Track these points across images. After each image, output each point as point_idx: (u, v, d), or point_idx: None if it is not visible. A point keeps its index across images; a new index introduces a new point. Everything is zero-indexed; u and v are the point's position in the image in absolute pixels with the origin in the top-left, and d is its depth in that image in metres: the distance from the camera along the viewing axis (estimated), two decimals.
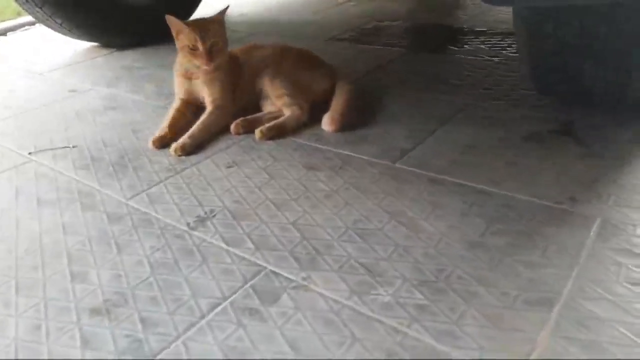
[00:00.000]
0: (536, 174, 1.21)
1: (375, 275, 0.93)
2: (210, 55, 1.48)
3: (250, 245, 1.04)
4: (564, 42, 1.35)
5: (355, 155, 1.36)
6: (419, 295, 0.88)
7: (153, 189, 1.27)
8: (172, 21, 1.49)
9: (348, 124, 1.50)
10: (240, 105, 1.60)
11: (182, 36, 1.49)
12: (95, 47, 2.56)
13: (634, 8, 1.23)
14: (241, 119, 1.53)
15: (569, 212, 1.07)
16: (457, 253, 0.97)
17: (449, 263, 0.95)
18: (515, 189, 1.15)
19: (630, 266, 0.91)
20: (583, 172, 1.20)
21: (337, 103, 1.55)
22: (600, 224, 1.02)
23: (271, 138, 1.48)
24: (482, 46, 2.15)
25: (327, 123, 1.50)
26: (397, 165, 1.30)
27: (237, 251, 1.03)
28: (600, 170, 1.21)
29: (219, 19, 1.53)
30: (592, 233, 1.00)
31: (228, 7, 1.54)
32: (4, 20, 3.23)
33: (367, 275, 0.93)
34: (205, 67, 1.50)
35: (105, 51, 2.49)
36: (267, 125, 1.50)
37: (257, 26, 2.67)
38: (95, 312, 0.90)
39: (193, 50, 1.48)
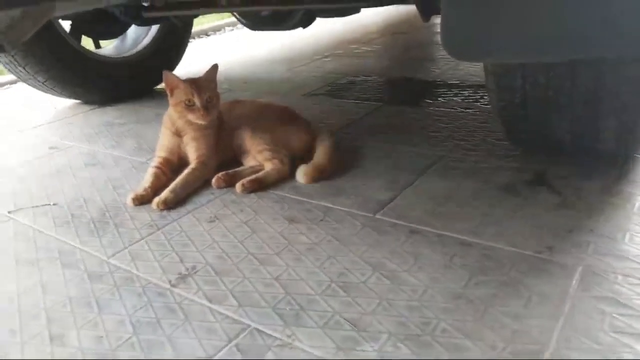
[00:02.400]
0: (513, 224, 1.23)
1: (360, 331, 0.93)
2: (206, 110, 1.51)
3: (234, 302, 1.03)
4: (532, 95, 1.41)
5: (335, 207, 1.37)
6: (405, 350, 0.88)
7: (134, 246, 1.26)
8: (168, 77, 1.54)
9: (322, 177, 1.53)
10: (221, 159, 1.62)
11: (178, 91, 1.53)
12: (76, 104, 2.58)
13: (597, 64, 1.30)
14: (223, 173, 1.55)
15: (549, 262, 1.09)
16: (441, 305, 0.98)
17: (434, 316, 0.95)
18: (494, 239, 1.17)
19: (614, 315, 0.92)
20: (559, 221, 1.23)
21: (318, 157, 1.59)
22: (582, 273, 1.04)
23: (252, 191, 1.49)
24: (455, 98, 2.23)
25: (301, 175, 1.53)
26: (377, 216, 1.31)
27: (220, 309, 1.01)
28: (576, 220, 1.23)
29: (211, 76, 1.58)
30: (574, 282, 1.01)
31: (217, 65, 1.60)
32: None
33: (352, 331, 0.93)
34: (202, 122, 1.53)
35: (86, 108, 2.51)
36: (248, 178, 1.51)
37: (233, 83, 2.73)
38: None
39: (189, 105, 1.51)
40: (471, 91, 2.31)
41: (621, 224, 1.20)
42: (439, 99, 2.26)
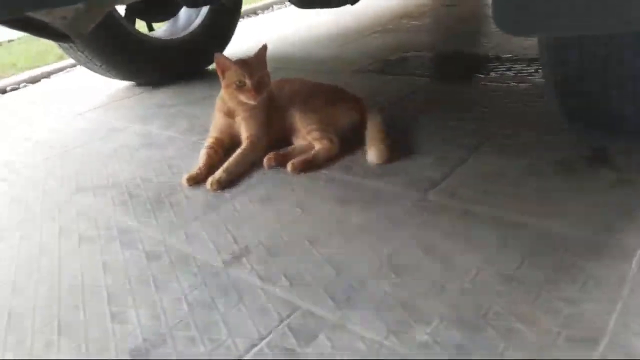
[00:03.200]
0: (570, 204, 1.18)
1: (412, 313, 0.93)
2: (257, 89, 1.53)
3: (285, 283, 1.05)
4: (590, 69, 1.34)
5: (386, 186, 1.36)
6: (457, 334, 0.87)
7: (190, 226, 1.30)
8: (219, 59, 1.56)
9: (394, 155, 1.49)
10: (272, 139, 1.63)
11: (230, 73, 1.55)
12: (131, 86, 2.66)
13: None
14: (273, 152, 1.57)
15: (608, 243, 1.04)
16: (494, 288, 0.96)
17: (486, 299, 0.94)
18: (550, 220, 1.13)
19: None
20: (620, 200, 1.17)
21: (376, 135, 1.55)
22: None
23: (302, 171, 1.50)
24: (508, 73, 2.14)
25: (375, 156, 1.49)
26: (429, 196, 1.29)
27: (272, 289, 1.04)
28: (638, 199, 1.17)
29: (261, 56, 1.60)
30: (633, 265, 0.97)
31: (266, 45, 1.61)
32: (48, 64, 3.41)
33: (403, 313, 0.93)
34: (252, 102, 1.55)
35: (140, 89, 2.59)
36: (298, 158, 1.52)
37: (283, 61, 2.73)
38: (134, 353, 0.92)
39: (240, 86, 1.54)
40: (524, 65, 2.21)
41: None
42: (491, 73, 2.17)
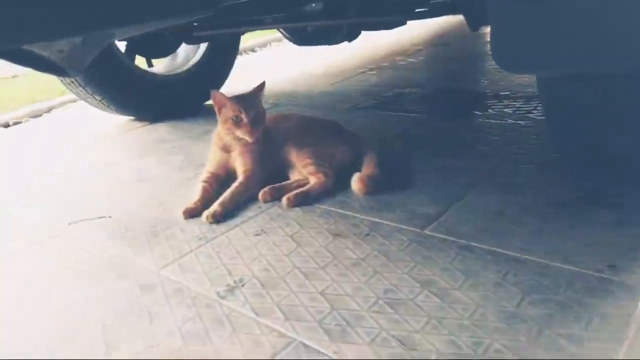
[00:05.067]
0: (570, 241, 1.17)
1: (409, 349, 0.90)
2: (253, 125, 1.55)
3: (280, 316, 1.03)
4: (587, 108, 1.35)
5: (382, 221, 1.35)
6: None
7: (184, 258, 1.28)
8: (216, 96, 1.58)
9: (377, 188, 1.51)
10: (267, 173, 1.63)
11: (226, 109, 1.57)
12: (130, 120, 2.68)
13: None
14: (269, 186, 1.56)
15: (611, 281, 1.02)
16: (493, 325, 0.94)
17: (486, 335, 0.92)
18: (550, 257, 1.12)
19: None
20: (621, 239, 1.15)
21: (367, 167, 1.58)
22: None
23: (298, 205, 1.50)
24: (507, 110, 2.16)
25: (356, 184, 1.52)
26: (426, 232, 1.28)
27: (266, 321, 1.02)
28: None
29: (258, 92, 1.62)
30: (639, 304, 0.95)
31: (264, 82, 1.63)
32: (50, 99, 3.45)
33: (400, 349, 0.91)
34: (248, 138, 1.56)
35: (138, 124, 2.60)
36: (293, 192, 1.52)
37: (281, 97, 2.77)
38: None
39: (236, 122, 1.55)
40: (523, 102, 2.24)
41: None
42: (489, 110, 2.19)
